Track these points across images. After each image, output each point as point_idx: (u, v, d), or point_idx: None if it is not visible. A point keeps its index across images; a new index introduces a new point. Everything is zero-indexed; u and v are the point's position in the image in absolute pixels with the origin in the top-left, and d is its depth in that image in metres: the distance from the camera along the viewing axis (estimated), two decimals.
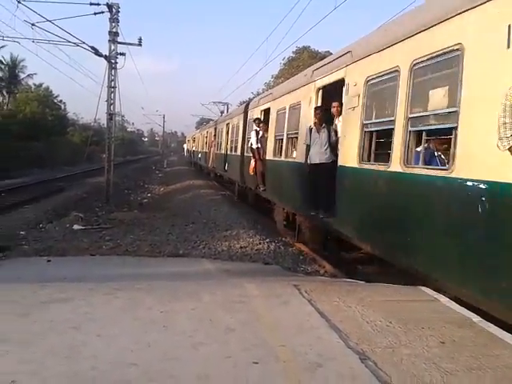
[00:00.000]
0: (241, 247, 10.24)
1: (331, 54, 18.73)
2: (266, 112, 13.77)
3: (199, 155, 38.48)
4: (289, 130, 11.00)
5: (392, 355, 3.13)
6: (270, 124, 12.89)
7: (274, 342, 3.27)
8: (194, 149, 45.50)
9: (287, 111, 11.13)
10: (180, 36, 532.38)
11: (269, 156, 12.87)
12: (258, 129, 13.87)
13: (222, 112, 45.35)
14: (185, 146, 58.73)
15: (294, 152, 10.53)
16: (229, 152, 20.81)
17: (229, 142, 21.04)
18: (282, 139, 11.46)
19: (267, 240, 11.01)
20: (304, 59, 43.08)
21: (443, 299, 4.51)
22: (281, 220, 12.48)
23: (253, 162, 13.98)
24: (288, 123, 11.09)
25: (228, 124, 21.92)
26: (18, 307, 3.89)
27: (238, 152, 17.59)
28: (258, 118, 14.15)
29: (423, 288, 4.96)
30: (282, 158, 11.44)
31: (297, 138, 10.27)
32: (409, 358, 3.09)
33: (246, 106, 17.73)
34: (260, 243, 10.66)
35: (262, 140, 13.50)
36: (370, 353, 3.15)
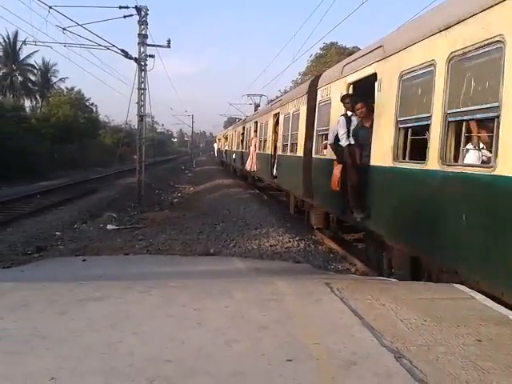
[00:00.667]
0: (270, 245, 10.27)
1: (359, 49, 18.21)
2: (360, 85, 8.27)
3: (233, 156, 33.15)
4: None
5: (427, 353, 3.08)
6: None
7: (307, 340, 3.26)
8: (226, 148, 40.93)
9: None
10: (207, 37, 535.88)
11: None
12: (351, 113, 8.23)
13: (257, 106, 40.05)
14: (215, 145, 54.16)
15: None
16: (280, 152, 15.62)
17: (279, 139, 15.83)
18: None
19: (297, 238, 11.00)
20: (332, 55, 42.77)
21: (479, 297, 4.40)
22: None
23: (337, 170, 8.21)
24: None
25: (277, 114, 16.67)
26: (56, 306, 3.98)
27: (298, 152, 12.32)
28: (347, 95, 8.37)
29: (458, 286, 4.86)
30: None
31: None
32: (445, 356, 3.03)
33: (313, 83, 11.35)
34: (290, 241, 10.66)
35: (363, 132, 7.75)
36: (404, 351, 3.10)
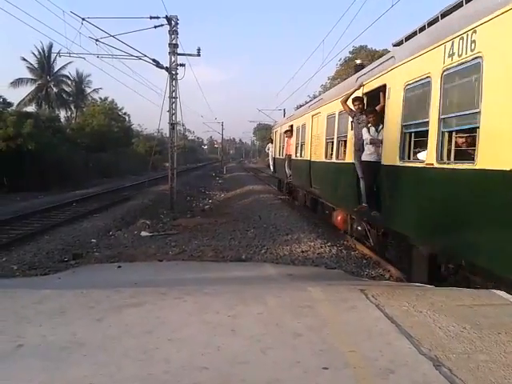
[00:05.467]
0: (302, 251, 10.23)
1: (389, 52, 17.81)
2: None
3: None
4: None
5: (467, 361, 3.00)
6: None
7: (343, 348, 3.22)
8: (300, 153, 17.68)
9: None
10: (236, 45, 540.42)
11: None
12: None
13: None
14: (269, 147, 27.62)
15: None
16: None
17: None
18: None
19: (329, 244, 10.92)
20: (361, 58, 42.34)
21: None
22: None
23: None
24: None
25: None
26: (93, 312, 4.05)
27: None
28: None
29: (498, 291, 4.71)
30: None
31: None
32: (486, 365, 2.94)
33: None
34: (321, 247, 10.59)
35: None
36: (443, 359, 3.02)
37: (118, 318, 3.90)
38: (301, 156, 16.67)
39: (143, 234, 13.29)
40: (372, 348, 3.21)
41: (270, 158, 27.24)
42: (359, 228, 10.16)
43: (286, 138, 19.63)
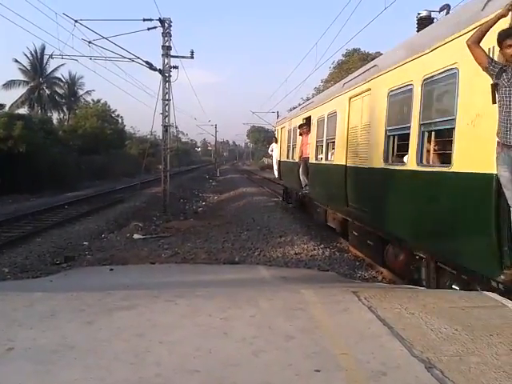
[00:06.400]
0: (295, 253, 10.24)
1: (382, 54, 17.69)
2: None
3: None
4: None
5: (459, 364, 3.00)
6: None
7: (336, 350, 3.22)
8: (325, 156, 12.32)
9: None
10: (230, 47, 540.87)
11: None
12: None
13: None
14: (272, 148, 22.98)
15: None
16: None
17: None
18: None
19: (322, 246, 10.94)
20: (354, 61, 42.69)
21: (511, 305, 4.28)
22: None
23: None
24: None
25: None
26: (84, 315, 4.02)
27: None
28: None
29: (489, 293, 4.73)
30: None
31: None
32: (477, 367, 2.95)
33: None
34: (315, 249, 10.61)
35: None
36: (435, 361, 3.03)
37: (109, 320, 3.87)
38: (327, 159, 11.89)
39: (136, 236, 13.24)
40: (364, 350, 3.21)
41: (273, 161, 22.69)
42: None
43: (301, 136, 14.97)
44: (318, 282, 7.61)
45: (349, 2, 20.26)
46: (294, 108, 26.34)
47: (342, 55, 46.37)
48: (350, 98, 9.84)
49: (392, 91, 7.51)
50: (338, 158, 10.45)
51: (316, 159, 13.13)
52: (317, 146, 13.05)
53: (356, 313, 4.08)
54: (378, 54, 32.80)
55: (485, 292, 4.84)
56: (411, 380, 2.81)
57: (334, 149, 11.16)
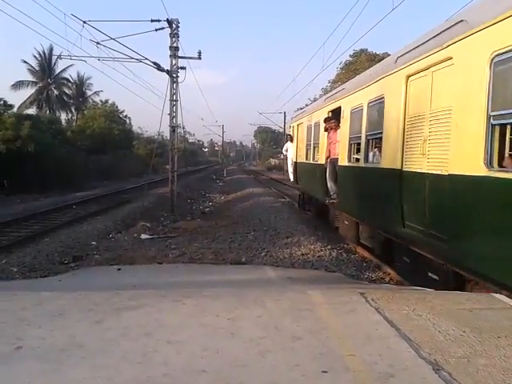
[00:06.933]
0: (302, 254, 10.22)
1: (389, 55, 17.40)
2: None
3: None
4: None
5: (467, 365, 2.99)
6: None
7: (343, 351, 3.21)
8: (365, 157, 9.47)
9: None
10: (234, 46, 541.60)
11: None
12: None
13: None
14: (287, 148, 20.07)
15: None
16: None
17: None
18: None
19: (329, 247, 10.90)
20: (362, 62, 42.59)
21: None
22: None
23: None
24: None
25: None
26: (92, 314, 4.04)
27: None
28: None
29: (497, 295, 4.71)
30: None
31: None
32: (485, 369, 2.93)
33: None
34: (321, 250, 10.58)
35: None
36: (443, 363, 3.01)
37: (117, 320, 3.89)
38: (366, 161, 9.36)
39: (143, 236, 13.29)
40: (371, 352, 3.20)
41: (288, 162, 20.35)
42: None
43: (327, 132, 12.37)
44: (325, 283, 7.60)
45: (357, 2, 20.16)
46: (301, 108, 26.00)
47: (350, 56, 46.29)
48: (409, 77, 7.36)
49: (500, 56, 4.95)
50: (388, 159, 8.01)
51: (349, 161, 10.53)
52: (350, 145, 10.49)
53: (363, 314, 4.07)
54: (386, 55, 32.71)
55: (493, 294, 4.81)
56: (419, 382, 2.80)
57: (376, 147, 9.03)
